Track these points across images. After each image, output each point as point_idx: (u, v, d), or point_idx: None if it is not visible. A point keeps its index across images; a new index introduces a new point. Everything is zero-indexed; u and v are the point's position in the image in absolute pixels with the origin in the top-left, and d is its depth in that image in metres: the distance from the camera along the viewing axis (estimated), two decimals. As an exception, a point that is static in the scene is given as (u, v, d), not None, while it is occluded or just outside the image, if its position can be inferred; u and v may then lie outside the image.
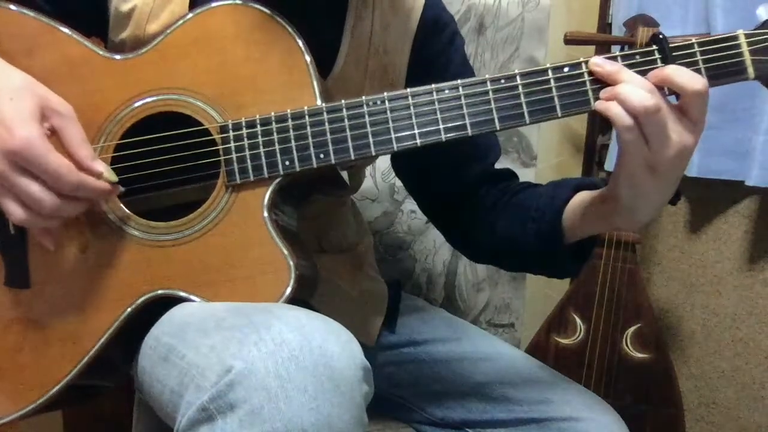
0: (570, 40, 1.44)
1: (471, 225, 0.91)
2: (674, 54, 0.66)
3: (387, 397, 0.94)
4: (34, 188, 0.64)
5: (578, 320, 1.51)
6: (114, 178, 0.69)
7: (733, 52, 0.66)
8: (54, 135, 0.67)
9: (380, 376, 0.78)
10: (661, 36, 0.67)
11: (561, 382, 0.90)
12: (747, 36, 0.66)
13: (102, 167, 0.68)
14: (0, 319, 0.74)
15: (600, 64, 0.66)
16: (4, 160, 0.63)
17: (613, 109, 0.64)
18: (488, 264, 0.97)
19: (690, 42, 0.67)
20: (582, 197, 0.78)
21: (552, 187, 0.83)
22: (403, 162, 0.97)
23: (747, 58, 0.66)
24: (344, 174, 0.89)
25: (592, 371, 1.49)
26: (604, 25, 1.68)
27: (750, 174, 1.41)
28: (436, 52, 0.89)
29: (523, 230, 0.83)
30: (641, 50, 0.67)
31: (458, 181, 0.90)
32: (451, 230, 0.97)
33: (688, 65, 0.66)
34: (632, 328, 1.47)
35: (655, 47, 0.67)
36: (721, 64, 0.66)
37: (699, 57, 0.66)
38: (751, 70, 0.66)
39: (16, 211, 0.66)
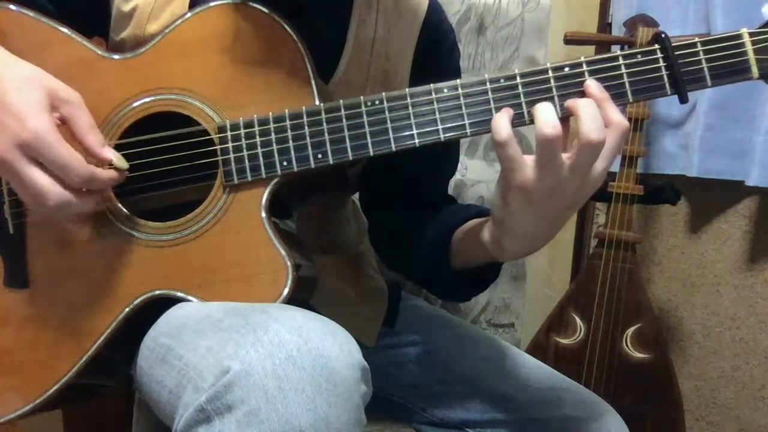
0: (570, 40, 1.44)
1: (400, 234, 0.91)
2: (677, 53, 0.65)
3: (387, 397, 0.94)
4: (41, 179, 0.64)
5: (578, 320, 1.50)
6: (125, 165, 0.69)
7: (737, 51, 0.65)
8: (64, 124, 0.66)
9: (380, 376, 0.78)
10: (663, 35, 0.66)
11: (561, 382, 0.89)
12: (751, 35, 0.65)
13: (112, 154, 0.68)
14: (-1, 319, 0.74)
15: (593, 87, 0.65)
16: (14, 150, 0.63)
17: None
18: (398, 272, 0.99)
19: (693, 41, 0.65)
20: (475, 220, 0.80)
21: (463, 206, 0.87)
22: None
23: (751, 57, 0.65)
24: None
25: (592, 371, 1.49)
26: (604, 25, 1.68)
27: (750, 174, 1.41)
28: (437, 59, 0.89)
29: (422, 238, 0.85)
30: (643, 50, 0.66)
31: (410, 188, 0.92)
32: (381, 230, 0.98)
33: (690, 64, 0.65)
34: (632, 328, 1.47)
35: (657, 46, 0.66)
36: (725, 63, 0.65)
37: (702, 56, 0.65)
38: (754, 70, 0.65)
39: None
